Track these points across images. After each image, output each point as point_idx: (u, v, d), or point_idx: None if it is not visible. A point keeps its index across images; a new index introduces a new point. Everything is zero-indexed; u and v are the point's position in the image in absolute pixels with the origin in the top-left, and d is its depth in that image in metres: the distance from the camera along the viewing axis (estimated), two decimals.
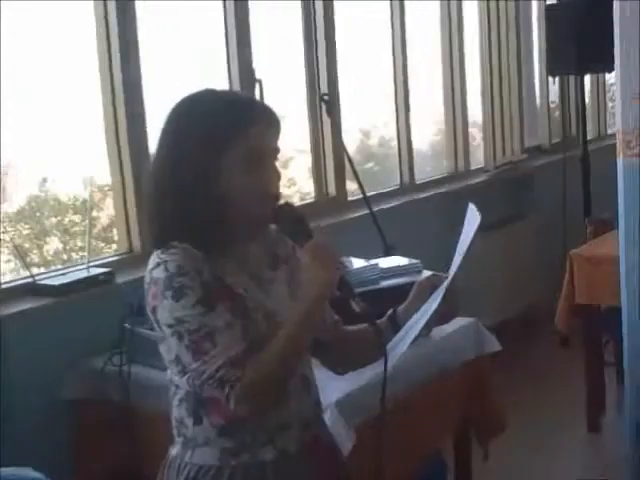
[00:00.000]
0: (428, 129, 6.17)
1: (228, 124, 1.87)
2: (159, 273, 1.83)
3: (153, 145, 2.06)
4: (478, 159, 6.27)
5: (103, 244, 3.98)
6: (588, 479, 4.11)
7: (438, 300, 1.94)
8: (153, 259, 1.87)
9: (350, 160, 4.40)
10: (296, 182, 5.08)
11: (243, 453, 1.91)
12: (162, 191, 1.90)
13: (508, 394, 3.91)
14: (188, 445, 1.94)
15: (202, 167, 1.86)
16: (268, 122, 1.92)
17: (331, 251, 1.85)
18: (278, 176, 1.93)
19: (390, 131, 5.56)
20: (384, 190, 5.32)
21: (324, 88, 4.70)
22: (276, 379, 1.84)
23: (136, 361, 3.04)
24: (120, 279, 3.39)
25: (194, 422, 1.91)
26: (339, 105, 4.78)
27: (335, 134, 4.68)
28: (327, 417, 2.48)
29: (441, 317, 2.00)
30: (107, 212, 3.96)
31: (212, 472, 1.91)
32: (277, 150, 1.94)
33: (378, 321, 2.00)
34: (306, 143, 4.79)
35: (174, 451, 1.98)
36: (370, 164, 5.76)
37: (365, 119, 5.46)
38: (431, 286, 2.02)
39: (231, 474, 1.90)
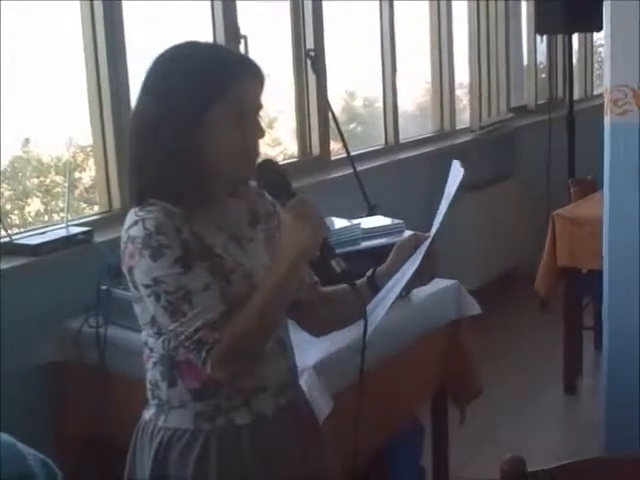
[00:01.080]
0: (415, 90, 6.13)
1: (212, 78, 1.82)
2: (137, 231, 1.79)
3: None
4: (464, 121, 6.23)
5: (85, 205, 3.93)
6: (565, 442, 4.15)
7: (418, 261, 1.91)
8: (130, 217, 1.83)
9: (335, 118, 4.36)
10: (281, 142, 5.04)
11: (218, 417, 1.89)
12: (142, 147, 1.85)
13: (487, 357, 3.92)
14: (162, 409, 1.92)
15: (184, 122, 1.81)
16: (252, 76, 1.87)
17: (315, 210, 1.81)
18: (261, 132, 1.89)
19: (375, 93, 5.51)
20: (368, 150, 5.29)
21: (310, 44, 4.65)
22: (254, 341, 1.81)
23: (113, 323, 3.01)
24: (100, 239, 3.35)
25: (168, 385, 1.89)
26: (324, 62, 4.74)
27: (320, 91, 4.63)
28: (304, 381, 2.46)
29: (421, 277, 1.96)
30: (89, 173, 3.91)
31: (186, 436, 1.89)
32: (260, 106, 1.89)
33: (357, 282, 1.96)
34: (291, 103, 4.74)
35: (148, 415, 1.96)
36: (354, 125, 5.72)
37: (350, 80, 5.40)
38: (411, 246, 1.98)
39: (206, 438, 1.89)
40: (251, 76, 1.87)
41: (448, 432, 3.45)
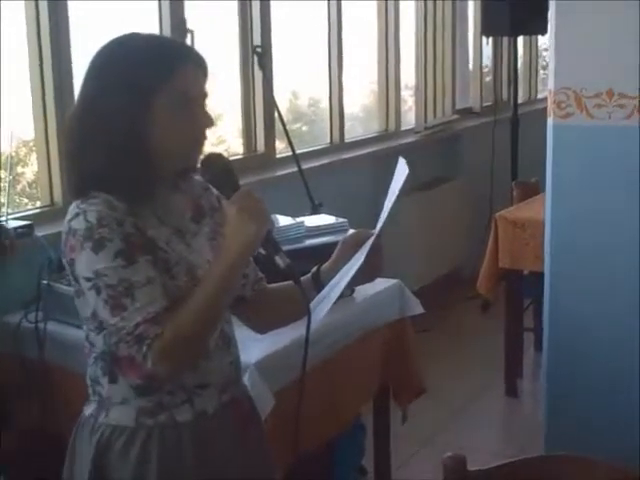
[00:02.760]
0: (361, 92, 6.14)
1: (154, 68, 1.80)
2: (78, 224, 1.76)
3: None
4: (409, 121, 6.25)
5: (27, 200, 3.86)
6: (505, 442, 4.18)
7: (362, 258, 1.90)
8: (72, 209, 1.80)
9: (280, 115, 4.35)
10: (225, 140, 5.00)
11: (160, 413, 1.87)
12: (85, 139, 1.82)
13: (428, 357, 3.94)
14: (103, 405, 1.89)
15: (127, 113, 1.79)
16: (195, 64, 1.85)
17: (260, 203, 1.79)
18: (209, 121, 1.87)
19: (319, 93, 5.50)
20: (313, 148, 5.28)
21: (257, 41, 4.63)
22: (196, 337, 1.79)
23: (53, 318, 2.96)
24: (41, 233, 3.30)
25: (109, 381, 1.87)
26: (271, 58, 4.72)
27: (266, 88, 4.61)
28: (247, 378, 2.45)
29: (365, 275, 1.96)
30: (32, 169, 3.84)
31: (127, 433, 1.87)
32: (205, 95, 1.87)
33: (302, 279, 1.95)
34: (236, 101, 4.71)
35: (88, 411, 1.93)
36: (299, 124, 5.71)
37: (294, 80, 5.39)
38: (355, 243, 1.97)
39: (147, 435, 1.87)
40: (194, 64, 1.85)
41: (390, 432, 3.46)
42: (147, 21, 4.11)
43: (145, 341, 1.73)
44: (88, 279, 1.76)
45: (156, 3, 4.11)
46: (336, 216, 3.58)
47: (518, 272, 4.67)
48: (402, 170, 1.95)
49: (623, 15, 3.23)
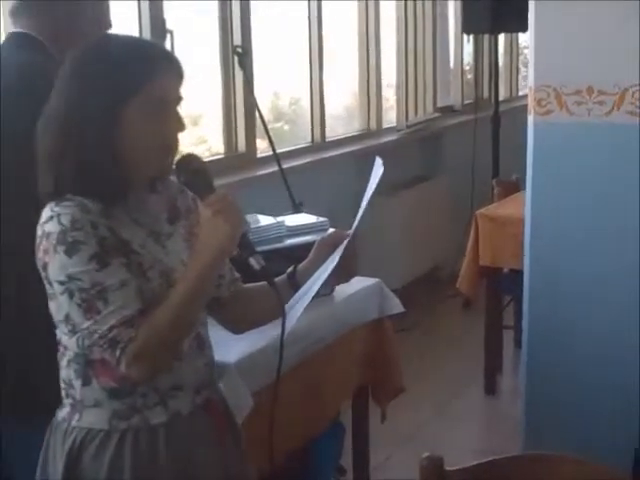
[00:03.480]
0: (342, 91, 6.13)
1: (127, 71, 1.79)
2: (52, 227, 1.75)
3: None
4: (390, 120, 6.25)
5: None
6: (484, 441, 4.18)
7: (337, 258, 1.91)
8: (46, 212, 1.79)
9: (261, 115, 4.34)
10: (206, 140, 4.99)
11: (134, 416, 1.86)
12: (59, 143, 1.81)
13: (408, 356, 3.94)
14: (76, 408, 1.88)
15: (101, 117, 1.78)
16: (169, 67, 1.84)
17: (234, 205, 1.79)
18: (181, 125, 1.86)
19: (299, 92, 5.50)
20: (294, 147, 5.27)
21: (237, 41, 4.61)
22: (170, 339, 1.79)
23: None
24: None
25: (83, 384, 1.86)
26: (252, 58, 4.71)
27: (247, 88, 4.60)
28: (225, 379, 2.43)
29: (342, 275, 1.97)
30: None
31: (100, 436, 1.86)
32: (180, 98, 1.87)
33: (277, 279, 1.95)
34: (217, 101, 4.70)
35: (61, 414, 1.92)
36: (280, 123, 5.70)
37: (276, 80, 5.38)
38: (331, 244, 1.98)
39: (120, 438, 1.86)
40: (168, 67, 1.84)
41: (369, 431, 3.45)
42: (126, 21, 4.09)
43: (119, 344, 1.72)
44: (61, 282, 1.75)
45: (135, 3, 4.09)
46: (317, 215, 3.58)
47: (498, 270, 4.68)
48: (378, 169, 1.95)
49: (602, 12, 3.24)
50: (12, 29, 2.43)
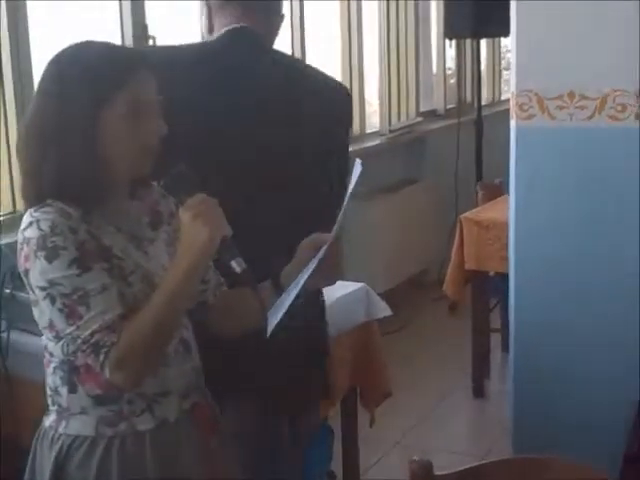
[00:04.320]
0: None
1: (108, 75, 1.79)
2: (32, 232, 1.75)
3: None
4: (373, 124, 6.26)
5: None
6: (473, 444, 4.19)
7: (316, 261, 1.90)
8: (26, 218, 1.79)
9: None
10: None
11: (120, 422, 1.85)
12: (38, 148, 1.81)
13: (396, 360, 3.94)
14: (63, 415, 1.87)
15: (80, 121, 1.77)
16: (149, 72, 1.85)
17: (215, 209, 1.78)
18: (161, 129, 1.85)
19: None
20: None
21: None
22: (153, 344, 1.78)
23: (17, 328, 2.93)
24: (2, 241, 3.26)
25: (69, 391, 1.85)
26: None
27: None
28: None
29: (325, 277, 1.97)
30: None
31: (87, 443, 1.85)
32: (158, 100, 1.86)
33: (261, 284, 1.94)
34: None
35: (48, 421, 1.91)
36: None
37: None
38: (313, 247, 1.96)
39: (107, 445, 1.85)
40: (146, 71, 1.84)
41: (357, 435, 3.45)
42: (108, 27, 4.09)
43: (102, 349, 1.72)
44: (43, 288, 1.74)
45: (117, 9, 4.08)
46: None
47: (484, 273, 4.69)
48: (357, 171, 1.94)
49: (583, 17, 3.26)
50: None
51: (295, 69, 2.52)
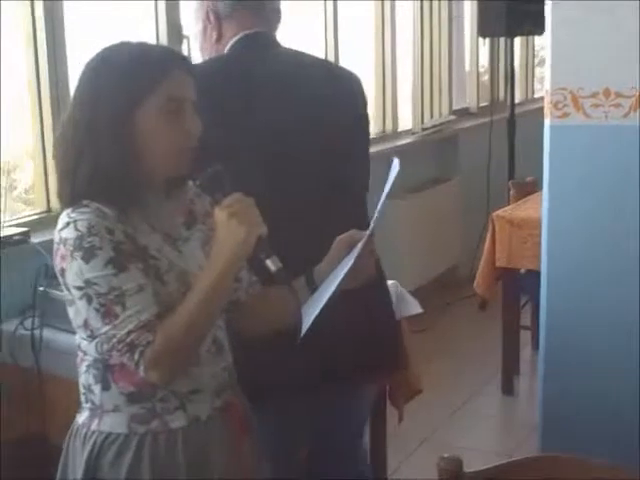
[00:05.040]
0: None
1: (143, 75, 1.81)
2: (68, 233, 1.77)
3: None
4: (406, 123, 6.24)
5: (24, 206, 3.85)
6: (501, 442, 4.17)
7: (353, 258, 1.90)
8: (63, 218, 1.81)
9: None
10: None
11: (153, 420, 1.87)
12: (76, 147, 1.83)
13: (425, 357, 3.94)
14: (96, 412, 1.89)
15: (117, 121, 1.80)
16: (183, 70, 1.86)
17: (251, 207, 1.80)
18: (197, 127, 1.86)
19: None
20: None
21: None
22: (188, 343, 1.80)
23: (49, 325, 2.96)
24: (37, 239, 3.30)
25: (102, 388, 1.87)
26: None
27: None
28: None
29: (361, 275, 1.96)
30: (28, 175, 3.84)
31: (119, 440, 1.87)
32: (193, 99, 1.87)
33: (295, 281, 1.95)
34: None
35: (81, 419, 1.93)
36: None
37: None
38: (348, 244, 1.97)
39: (139, 442, 1.87)
40: (181, 69, 1.86)
41: (386, 432, 3.45)
42: (143, 28, 4.11)
43: (137, 348, 1.74)
44: (79, 288, 1.77)
45: (152, 10, 4.11)
46: None
47: (515, 271, 4.68)
48: (394, 170, 1.95)
49: (619, 14, 3.23)
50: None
51: (316, 63, 2.62)
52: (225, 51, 2.45)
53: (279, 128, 2.33)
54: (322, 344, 2.14)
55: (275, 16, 2.52)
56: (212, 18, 2.45)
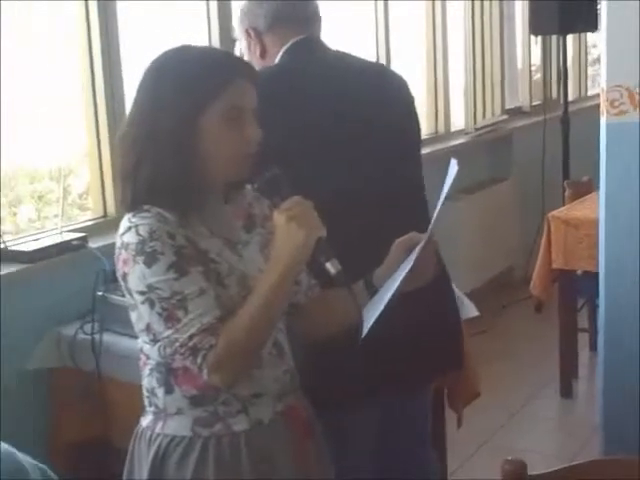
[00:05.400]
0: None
1: (203, 81, 1.82)
2: (130, 237, 1.78)
3: None
4: (459, 122, 6.21)
5: (79, 211, 3.90)
6: (561, 445, 4.13)
7: (412, 261, 1.89)
8: (124, 223, 1.82)
9: None
10: None
11: (216, 423, 1.88)
12: (136, 153, 1.84)
13: (482, 360, 3.91)
14: (159, 415, 1.91)
15: (179, 126, 1.80)
16: (245, 77, 1.87)
17: (310, 211, 1.79)
18: (257, 134, 1.87)
19: None
20: None
21: None
22: (250, 346, 1.80)
23: (109, 329, 2.98)
24: (94, 244, 3.33)
25: (165, 392, 1.88)
26: None
27: None
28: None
29: (420, 276, 1.94)
30: (84, 179, 3.88)
31: (184, 443, 1.88)
32: (255, 106, 1.88)
33: (354, 284, 1.94)
34: None
35: (145, 422, 1.95)
36: None
37: None
38: (407, 246, 1.96)
39: (203, 445, 1.88)
40: (245, 77, 1.86)
41: (445, 435, 3.44)
42: (196, 30, 4.14)
43: (200, 352, 1.75)
44: (142, 292, 1.78)
45: (204, 12, 4.13)
46: None
47: (571, 272, 4.63)
48: (452, 170, 1.94)
49: None
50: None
51: (364, 65, 2.63)
52: (277, 60, 2.47)
53: (344, 131, 2.36)
54: (387, 344, 2.15)
55: (315, 18, 2.53)
56: (253, 34, 2.48)
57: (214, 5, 4.13)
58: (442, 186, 1.94)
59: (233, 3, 4.16)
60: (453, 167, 1.94)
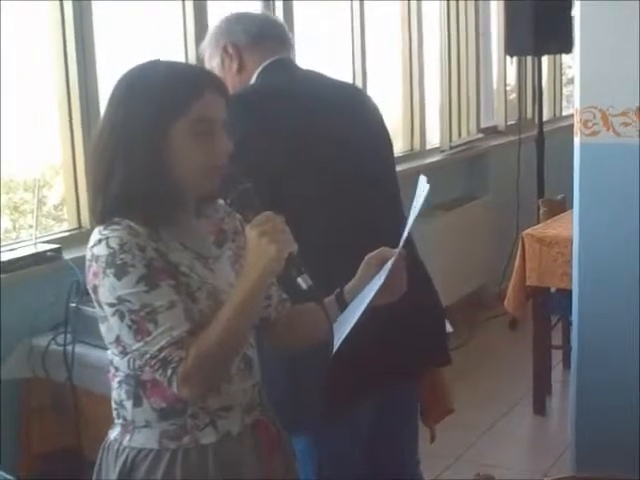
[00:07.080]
0: (384, 112, 6.12)
1: (175, 94, 1.83)
2: (101, 250, 1.79)
3: None
4: (434, 141, 6.25)
5: (53, 222, 3.90)
6: (533, 461, 4.14)
7: (383, 277, 1.90)
8: (94, 235, 1.83)
9: None
10: None
11: (184, 436, 1.88)
12: (107, 165, 1.84)
13: (456, 376, 3.92)
14: (127, 428, 1.90)
15: (149, 139, 1.81)
16: (215, 91, 1.87)
17: (282, 226, 1.80)
18: (227, 146, 1.88)
19: None
20: None
21: None
22: (220, 359, 1.81)
23: (81, 341, 2.98)
24: (68, 256, 3.33)
25: (134, 404, 1.88)
26: None
27: None
28: None
29: (390, 293, 1.95)
30: (59, 191, 3.88)
31: (151, 456, 1.88)
32: (224, 118, 1.89)
33: (326, 299, 1.95)
34: None
35: (113, 434, 1.95)
36: None
37: None
38: (378, 262, 1.97)
39: (171, 458, 1.87)
40: (212, 90, 1.87)
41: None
42: (171, 28, 4.14)
43: (170, 365, 1.75)
44: (111, 305, 1.78)
45: (181, 16, 4.15)
46: None
47: (545, 289, 4.66)
48: (422, 188, 1.95)
49: None
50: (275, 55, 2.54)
51: (335, 83, 2.69)
52: (253, 79, 2.49)
53: (331, 146, 2.42)
54: (369, 344, 2.22)
55: (290, 42, 2.61)
56: (232, 50, 2.51)
57: (190, 5, 4.15)
58: (413, 204, 1.96)
59: (209, 3, 4.18)
60: (423, 184, 1.95)
